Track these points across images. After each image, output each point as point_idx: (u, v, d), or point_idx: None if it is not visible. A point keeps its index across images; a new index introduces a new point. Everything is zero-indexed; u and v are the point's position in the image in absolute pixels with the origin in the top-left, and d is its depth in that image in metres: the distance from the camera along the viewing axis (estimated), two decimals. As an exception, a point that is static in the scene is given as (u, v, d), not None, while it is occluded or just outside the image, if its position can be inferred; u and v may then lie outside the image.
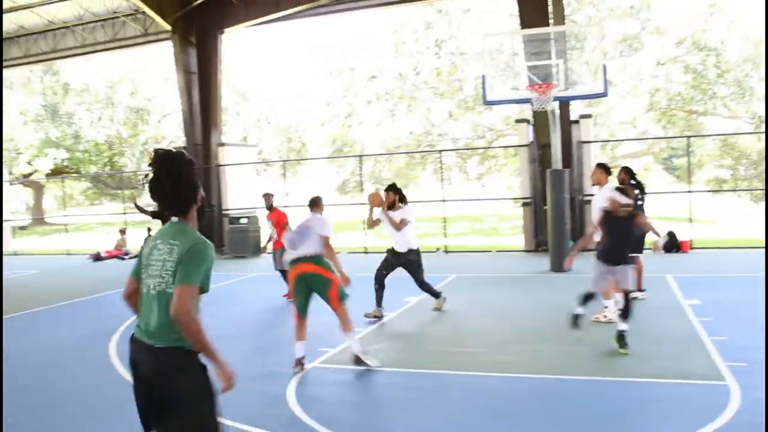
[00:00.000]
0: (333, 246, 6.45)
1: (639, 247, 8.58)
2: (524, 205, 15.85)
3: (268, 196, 11.04)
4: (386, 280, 8.81)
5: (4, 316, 10.20)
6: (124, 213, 25.04)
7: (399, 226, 8.40)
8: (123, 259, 18.84)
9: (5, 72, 28.53)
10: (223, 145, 19.51)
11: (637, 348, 6.63)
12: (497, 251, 16.34)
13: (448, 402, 5.34)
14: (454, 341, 7.33)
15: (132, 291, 3.20)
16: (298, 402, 5.38)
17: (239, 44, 30.31)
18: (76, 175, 36.93)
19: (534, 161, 15.37)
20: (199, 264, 2.98)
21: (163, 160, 3.11)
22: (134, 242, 20.27)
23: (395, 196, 8.59)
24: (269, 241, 10.99)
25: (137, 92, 37.21)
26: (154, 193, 3.12)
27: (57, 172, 36.00)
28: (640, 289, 8.98)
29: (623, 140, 29.12)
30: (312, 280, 6.33)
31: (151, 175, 3.12)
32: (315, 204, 6.97)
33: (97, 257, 18.85)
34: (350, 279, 6.52)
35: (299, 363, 6.25)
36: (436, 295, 8.95)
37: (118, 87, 36.85)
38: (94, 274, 15.50)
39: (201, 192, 3.21)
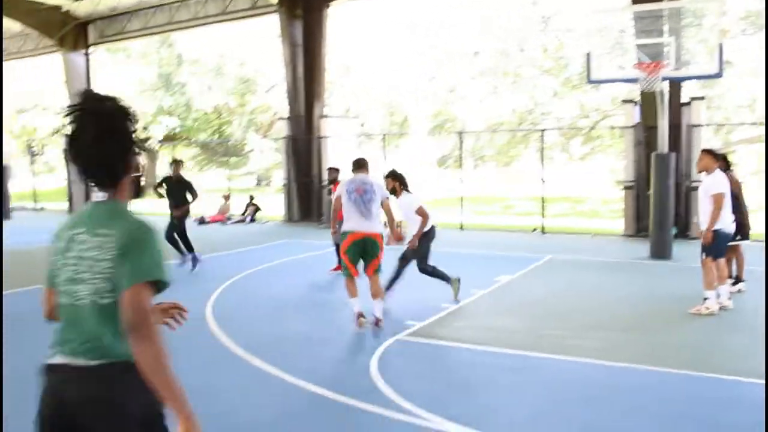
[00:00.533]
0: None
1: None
2: (626, 188, 15.33)
3: (332, 170, 11.08)
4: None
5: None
6: (229, 180, 26.08)
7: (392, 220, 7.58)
8: (225, 223, 19.80)
9: (126, 43, 30.16)
10: (325, 117, 19.85)
11: (737, 343, 6.36)
12: (595, 234, 15.92)
13: (529, 384, 5.31)
14: (543, 323, 7.25)
15: (53, 307, 2.31)
16: (380, 373, 5.50)
17: (345, 18, 30.54)
18: (186, 141, 38.61)
19: (639, 143, 14.79)
20: (149, 253, 2.17)
21: (90, 107, 2.23)
22: (237, 208, 21.10)
23: (394, 182, 8.01)
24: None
25: (245, 64, 38.29)
26: (73, 155, 2.22)
27: (169, 139, 37.75)
28: (741, 280, 8.70)
29: (737, 124, 27.46)
30: (371, 244, 6.95)
31: (70, 129, 2.21)
32: (362, 166, 7.25)
33: (202, 221, 19.73)
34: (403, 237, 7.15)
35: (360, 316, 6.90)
36: (446, 279, 8.34)
37: (228, 58, 38.02)
38: (198, 236, 16.24)
39: (138, 158, 2.37)
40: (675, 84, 13.99)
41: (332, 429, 4.41)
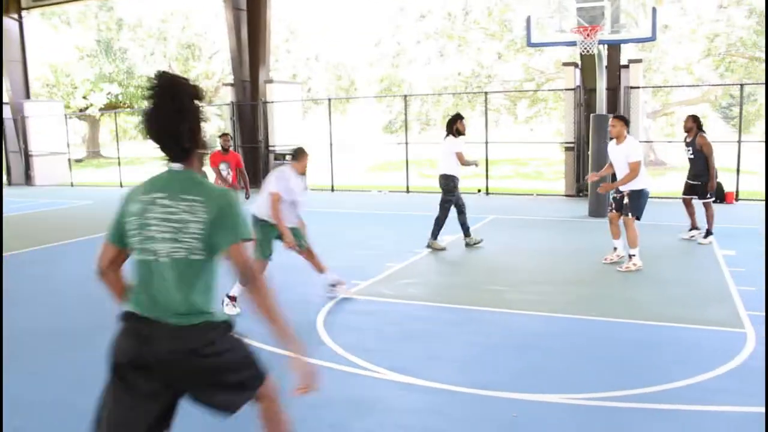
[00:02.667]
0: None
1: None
2: (567, 149, 15.75)
3: (226, 138, 10.55)
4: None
5: (62, 242, 10.81)
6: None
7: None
8: None
9: (63, 7, 29.12)
10: (270, 82, 19.70)
11: (662, 293, 6.75)
12: (537, 195, 16.36)
13: (470, 335, 5.58)
14: (483, 279, 7.54)
15: (111, 263, 2.56)
16: (326, 329, 5.70)
17: (289, -20, 30.15)
18: (129, 109, 37.75)
19: (579, 106, 15.19)
20: (240, 216, 2.46)
21: (168, 85, 2.50)
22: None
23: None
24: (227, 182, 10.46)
25: (189, 27, 37.48)
26: (152, 130, 2.52)
27: (111, 107, 36.85)
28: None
29: (673, 86, 28.23)
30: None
31: (149, 105, 2.50)
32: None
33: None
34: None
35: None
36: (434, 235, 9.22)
37: (170, 23, 37.16)
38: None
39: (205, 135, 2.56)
40: (614, 47, 14.36)
41: (279, 380, 4.58)
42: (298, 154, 6.65)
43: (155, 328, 2.39)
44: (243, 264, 2.45)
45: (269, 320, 2.50)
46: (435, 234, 9.20)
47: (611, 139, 8.07)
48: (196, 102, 2.50)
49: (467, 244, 9.31)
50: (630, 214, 7.69)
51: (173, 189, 2.44)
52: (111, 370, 2.44)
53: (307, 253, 6.66)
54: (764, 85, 16.05)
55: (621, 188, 7.78)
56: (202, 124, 2.52)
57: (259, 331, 2.85)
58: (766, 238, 8.38)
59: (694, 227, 9.52)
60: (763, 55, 28.58)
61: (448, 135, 9.16)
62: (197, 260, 2.42)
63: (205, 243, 2.41)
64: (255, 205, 6.42)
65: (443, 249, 9.12)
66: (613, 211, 7.97)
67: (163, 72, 2.55)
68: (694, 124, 9.31)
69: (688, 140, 9.34)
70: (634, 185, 7.64)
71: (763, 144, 24.20)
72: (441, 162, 9.29)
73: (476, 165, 9.84)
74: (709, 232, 9.29)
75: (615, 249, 8.07)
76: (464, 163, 9.13)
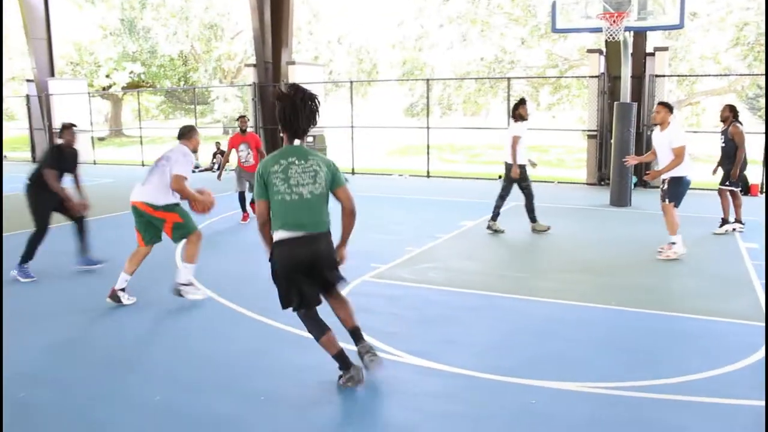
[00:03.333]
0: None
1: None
2: (589, 137, 15.62)
3: (244, 120, 10.97)
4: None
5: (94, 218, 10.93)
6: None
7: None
8: (194, 171, 19.56)
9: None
10: (293, 63, 19.69)
11: (684, 284, 6.71)
12: (559, 182, 16.26)
13: (489, 321, 5.59)
14: (503, 266, 7.54)
15: (266, 212, 4.04)
16: (346, 311, 5.73)
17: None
18: (151, 89, 37.92)
19: (603, 93, 15.03)
20: (339, 169, 4.14)
21: (302, 96, 3.98)
22: (204, 156, 20.96)
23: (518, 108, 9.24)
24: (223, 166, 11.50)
25: (211, 7, 37.47)
26: (292, 125, 3.97)
27: (133, 86, 37.04)
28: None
29: (699, 76, 27.76)
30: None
31: (287, 105, 3.94)
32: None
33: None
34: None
35: (114, 294, 5.98)
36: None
37: (193, 2, 37.16)
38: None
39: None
40: (640, 34, 14.19)
41: (300, 363, 4.63)
42: (189, 132, 6.37)
43: (314, 237, 3.99)
44: (348, 198, 4.13)
45: (351, 232, 4.22)
46: (532, 218, 9.43)
47: (655, 125, 7.99)
48: (315, 105, 4.03)
49: (489, 227, 9.30)
50: (668, 200, 7.63)
51: (299, 155, 4.00)
52: (282, 273, 4.01)
53: (196, 235, 6.19)
54: (764, 86, 15.82)
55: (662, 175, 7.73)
56: (317, 119, 4.06)
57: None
58: (766, 236, 8.28)
59: (726, 221, 9.40)
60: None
61: (510, 120, 9.31)
62: (325, 193, 4.04)
63: (328, 183, 4.04)
64: (143, 192, 5.97)
65: (546, 229, 9.34)
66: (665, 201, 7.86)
67: (294, 84, 4.09)
68: (731, 114, 9.27)
69: (722, 129, 9.29)
70: (675, 172, 7.58)
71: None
72: (505, 149, 9.39)
73: (533, 165, 9.74)
74: (734, 221, 9.25)
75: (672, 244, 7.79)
76: (514, 151, 9.14)
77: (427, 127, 18.23)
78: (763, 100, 30.44)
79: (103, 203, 12.16)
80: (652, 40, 16.09)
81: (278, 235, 3.97)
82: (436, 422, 3.76)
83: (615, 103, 12.43)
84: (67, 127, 7.51)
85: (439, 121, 33.30)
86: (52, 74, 23.66)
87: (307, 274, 4.00)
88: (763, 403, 3.90)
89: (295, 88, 4.00)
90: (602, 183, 14.94)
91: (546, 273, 7.21)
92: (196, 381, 4.34)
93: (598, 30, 11.50)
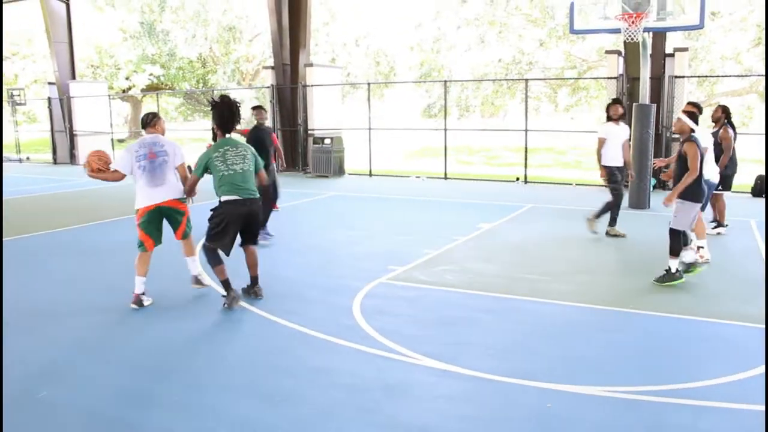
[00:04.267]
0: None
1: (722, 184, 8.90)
2: (608, 139, 15.49)
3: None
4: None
5: (105, 220, 11.05)
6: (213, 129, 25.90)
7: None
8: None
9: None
10: (310, 65, 19.76)
11: (702, 287, 6.65)
12: (577, 184, 16.17)
13: (506, 324, 5.58)
14: (520, 268, 7.51)
15: (195, 185, 6.14)
16: (362, 313, 5.75)
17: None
18: (170, 91, 38.20)
19: (622, 94, 14.93)
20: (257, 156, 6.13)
21: (227, 103, 5.94)
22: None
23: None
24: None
25: (230, 10, 37.67)
26: (227, 124, 5.92)
27: (153, 88, 37.31)
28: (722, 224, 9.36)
29: (719, 76, 27.47)
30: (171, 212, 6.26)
31: (225, 110, 5.90)
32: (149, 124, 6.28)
33: (190, 169, 19.69)
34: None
35: (138, 299, 6.07)
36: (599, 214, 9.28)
37: (211, 5, 37.38)
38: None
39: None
40: (659, 35, 14.08)
41: (314, 363, 4.65)
42: (153, 119, 6.25)
43: (249, 201, 5.87)
44: (265, 178, 6.23)
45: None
46: (611, 221, 9.31)
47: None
48: (237, 109, 6.01)
49: (607, 233, 9.29)
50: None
51: (231, 144, 5.95)
52: (227, 219, 5.81)
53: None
54: (765, 81, 15.66)
55: None
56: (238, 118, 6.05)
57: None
58: (766, 236, 8.18)
59: (717, 222, 9.41)
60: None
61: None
62: (252, 170, 5.97)
63: (253, 164, 5.98)
64: (167, 191, 6.14)
65: (622, 236, 9.21)
66: None
67: (223, 95, 6.06)
68: (723, 115, 9.12)
69: (713, 131, 9.11)
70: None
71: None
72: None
73: (631, 170, 9.73)
74: (719, 224, 9.27)
75: (699, 248, 7.39)
76: (599, 150, 9.12)
77: (445, 129, 18.19)
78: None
79: (124, 205, 12.29)
80: (672, 41, 15.96)
81: (226, 197, 5.80)
82: (453, 425, 3.76)
83: (634, 104, 12.33)
84: (257, 108, 9.31)
85: (457, 122, 33.25)
86: (73, 77, 23.95)
87: (240, 226, 5.86)
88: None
89: (227, 97, 5.94)
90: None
91: (563, 275, 7.18)
92: (214, 381, 4.37)
93: (617, 31, 11.42)
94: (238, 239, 6.05)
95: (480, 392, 4.21)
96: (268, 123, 11.00)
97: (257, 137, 8.84)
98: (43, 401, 4.08)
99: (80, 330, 5.48)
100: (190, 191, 6.15)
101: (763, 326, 5.37)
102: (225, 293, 5.96)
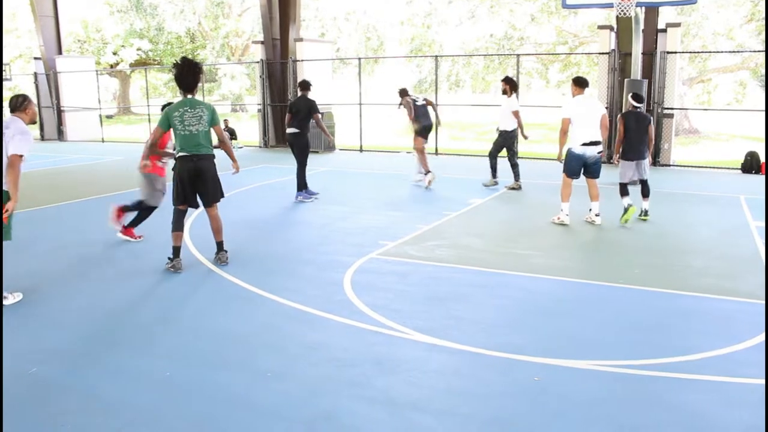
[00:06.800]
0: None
1: None
2: (600, 115, 15.46)
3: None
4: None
5: (98, 196, 10.96)
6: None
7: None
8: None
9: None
10: (300, 40, 19.56)
11: (694, 262, 6.67)
12: (567, 160, 16.13)
13: (496, 299, 5.58)
14: (511, 244, 7.51)
15: (159, 140, 6.77)
16: (353, 288, 5.74)
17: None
18: (159, 66, 37.79)
19: (614, 70, 14.88)
20: (217, 113, 6.43)
21: (188, 64, 6.34)
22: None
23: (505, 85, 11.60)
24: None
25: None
26: (184, 82, 6.31)
27: (141, 63, 36.90)
28: None
29: (712, 52, 27.38)
30: None
31: (185, 70, 6.29)
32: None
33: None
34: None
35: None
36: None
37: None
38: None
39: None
40: (652, 10, 14.00)
41: (305, 338, 4.64)
42: (24, 102, 5.56)
43: (199, 156, 6.25)
44: (221, 134, 6.60)
45: (230, 153, 6.71)
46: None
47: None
48: (199, 69, 6.39)
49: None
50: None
51: (191, 105, 6.26)
52: (179, 176, 6.27)
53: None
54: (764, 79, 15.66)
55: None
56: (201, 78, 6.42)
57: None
58: (766, 223, 8.20)
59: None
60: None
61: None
62: (207, 130, 6.28)
63: (208, 123, 6.28)
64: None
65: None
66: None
67: (186, 57, 6.48)
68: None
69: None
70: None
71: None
72: None
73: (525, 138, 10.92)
74: None
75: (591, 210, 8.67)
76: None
77: (435, 104, 18.06)
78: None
79: (114, 181, 12.20)
80: (664, 16, 15.88)
81: (180, 154, 6.26)
82: (443, 399, 3.76)
83: (626, 80, 12.30)
84: (302, 84, 10.46)
85: (447, 97, 33.05)
86: (60, 52, 23.60)
87: (193, 181, 6.27)
88: (771, 381, 3.89)
89: (187, 59, 6.44)
90: (611, 161, 14.80)
91: (554, 251, 7.18)
92: (205, 357, 4.35)
93: (609, 6, 11.36)
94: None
95: (470, 366, 4.21)
96: (258, 98, 11.12)
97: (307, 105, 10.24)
98: (36, 376, 4.05)
99: (68, 303, 5.44)
100: (152, 144, 6.85)
101: (753, 301, 5.41)
102: (171, 257, 6.44)
